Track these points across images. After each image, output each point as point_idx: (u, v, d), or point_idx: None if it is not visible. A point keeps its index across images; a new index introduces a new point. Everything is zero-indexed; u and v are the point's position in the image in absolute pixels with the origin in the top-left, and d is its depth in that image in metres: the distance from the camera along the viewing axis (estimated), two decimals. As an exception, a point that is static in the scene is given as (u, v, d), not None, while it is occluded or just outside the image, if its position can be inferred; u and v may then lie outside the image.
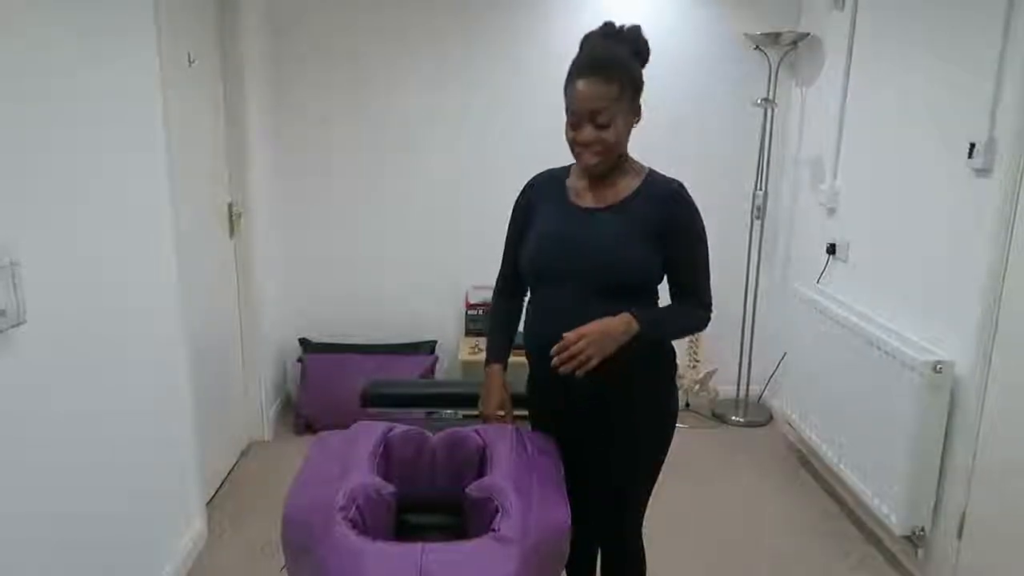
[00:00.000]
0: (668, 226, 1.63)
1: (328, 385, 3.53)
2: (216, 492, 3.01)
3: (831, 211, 3.25)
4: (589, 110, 1.56)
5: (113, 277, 2.04)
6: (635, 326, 1.59)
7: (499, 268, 1.90)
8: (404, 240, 3.84)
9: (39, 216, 1.70)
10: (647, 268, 1.64)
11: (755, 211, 3.69)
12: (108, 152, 2.02)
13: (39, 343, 1.68)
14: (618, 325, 1.57)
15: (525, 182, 1.84)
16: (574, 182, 1.74)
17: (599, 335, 1.55)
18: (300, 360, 3.72)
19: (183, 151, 2.56)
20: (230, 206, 3.19)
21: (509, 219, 1.85)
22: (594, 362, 1.55)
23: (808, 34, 3.41)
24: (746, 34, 3.49)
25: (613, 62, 1.59)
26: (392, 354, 3.73)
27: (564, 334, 1.56)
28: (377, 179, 3.77)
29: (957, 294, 2.35)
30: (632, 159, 1.71)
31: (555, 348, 1.56)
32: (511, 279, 1.88)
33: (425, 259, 3.84)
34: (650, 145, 3.72)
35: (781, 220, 3.81)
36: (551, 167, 1.82)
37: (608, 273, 1.63)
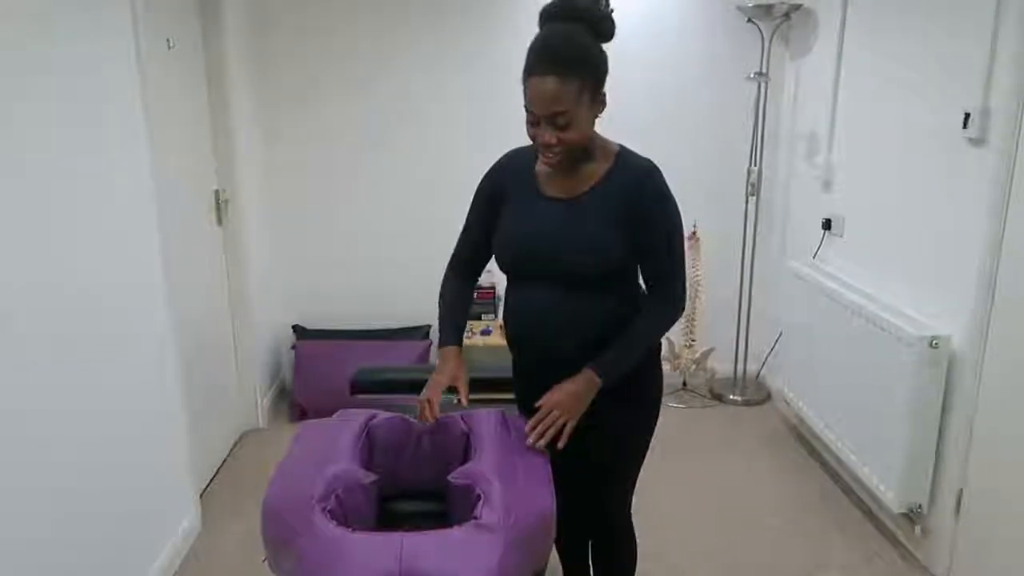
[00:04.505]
0: (635, 210, 1.57)
1: (322, 372, 3.51)
2: (210, 481, 2.99)
3: (826, 185, 3.20)
4: (547, 114, 1.46)
5: (92, 266, 2.01)
6: (597, 380, 1.60)
7: (454, 247, 1.84)
8: (397, 225, 3.80)
9: (8, 205, 1.66)
10: (620, 259, 1.59)
11: (749, 187, 3.64)
12: (85, 140, 1.97)
13: (9, 334, 1.65)
14: (581, 387, 1.60)
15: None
16: (543, 167, 1.66)
17: (567, 400, 1.59)
18: (294, 347, 3.70)
19: (166, 138, 2.51)
20: (217, 193, 3.15)
21: (473, 199, 1.78)
22: (571, 425, 1.59)
23: (800, 5, 3.34)
24: (738, 7, 3.43)
25: (571, 55, 1.46)
26: (386, 340, 3.71)
27: (539, 404, 1.60)
28: (369, 162, 3.72)
29: (953, 267, 2.31)
30: (600, 138, 1.62)
31: (528, 426, 1.60)
32: (466, 262, 1.83)
33: (418, 244, 3.80)
34: (642, 122, 3.70)
35: (776, 196, 3.76)
36: (518, 147, 1.74)
37: (582, 268, 1.59)
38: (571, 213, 1.60)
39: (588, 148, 1.59)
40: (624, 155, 1.63)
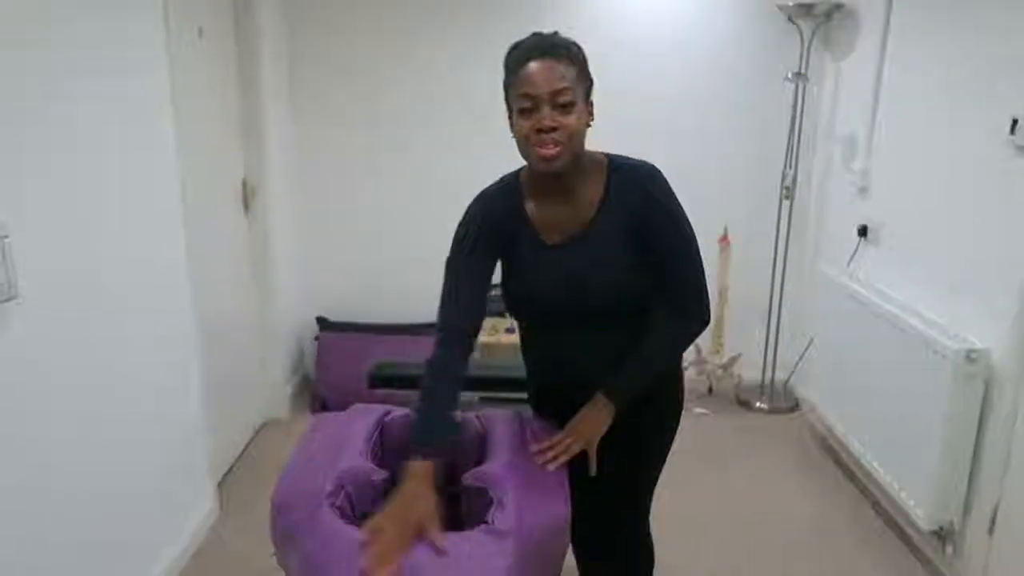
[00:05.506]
0: (640, 216, 1.49)
1: (344, 364, 3.50)
2: (229, 469, 3.00)
3: (863, 191, 3.11)
4: (550, 91, 1.38)
5: (115, 252, 2.01)
6: (610, 404, 1.55)
7: (441, 313, 1.56)
8: (423, 222, 3.75)
9: (34, 191, 1.66)
10: (644, 288, 1.53)
11: (784, 191, 3.55)
12: (110, 125, 1.98)
13: (32, 318, 1.65)
14: (594, 415, 1.55)
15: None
16: (533, 208, 1.56)
17: (581, 426, 1.56)
18: (317, 339, 3.69)
19: (193, 126, 2.51)
20: (244, 182, 3.15)
21: (458, 254, 1.60)
22: (591, 451, 1.56)
23: (843, 5, 3.25)
24: (778, 5, 3.34)
25: (567, 44, 1.45)
26: (409, 334, 3.69)
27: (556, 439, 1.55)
28: (397, 159, 3.70)
29: (994, 278, 2.22)
30: (586, 153, 1.51)
31: (536, 449, 1.54)
32: (465, 328, 1.55)
33: (443, 243, 3.75)
34: (676, 122, 3.64)
35: (811, 200, 3.67)
36: (493, 185, 1.65)
37: (605, 305, 1.53)
38: (580, 258, 1.52)
39: (578, 166, 1.50)
40: (616, 164, 1.54)
